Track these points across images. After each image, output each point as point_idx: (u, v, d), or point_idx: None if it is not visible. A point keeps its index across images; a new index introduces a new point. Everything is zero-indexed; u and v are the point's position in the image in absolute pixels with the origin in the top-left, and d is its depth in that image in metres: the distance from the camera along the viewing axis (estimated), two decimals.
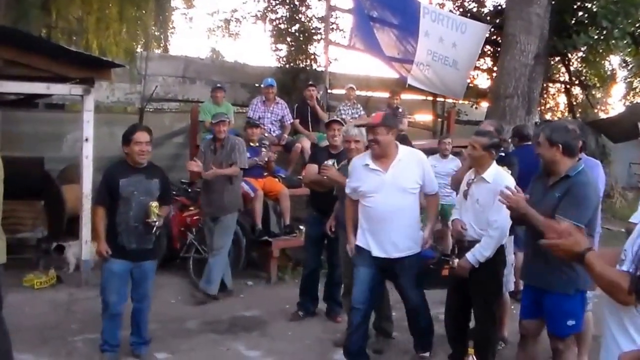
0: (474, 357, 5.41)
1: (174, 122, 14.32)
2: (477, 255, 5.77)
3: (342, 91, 13.68)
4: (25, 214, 9.39)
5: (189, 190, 9.99)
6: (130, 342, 6.56)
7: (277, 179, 10.31)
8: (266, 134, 11.08)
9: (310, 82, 13.14)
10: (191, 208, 9.67)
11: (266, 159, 10.00)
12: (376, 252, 6.10)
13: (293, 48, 17.17)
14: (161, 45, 23.52)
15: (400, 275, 6.21)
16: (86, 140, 8.98)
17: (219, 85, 12.02)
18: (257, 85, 14.88)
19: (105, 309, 6.29)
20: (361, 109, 12.84)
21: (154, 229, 6.20)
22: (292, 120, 12.00)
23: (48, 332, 7.28)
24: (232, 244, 8.88)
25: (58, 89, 9.28)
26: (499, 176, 5.81)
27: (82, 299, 8.35)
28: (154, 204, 6.16)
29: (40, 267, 9.44)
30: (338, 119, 8.33)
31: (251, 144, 9.92)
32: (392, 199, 6.00)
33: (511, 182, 5.70)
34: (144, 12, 19.52)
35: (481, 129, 6.35)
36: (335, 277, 7.78)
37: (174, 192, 8.94)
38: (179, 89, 15.07)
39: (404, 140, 12.29)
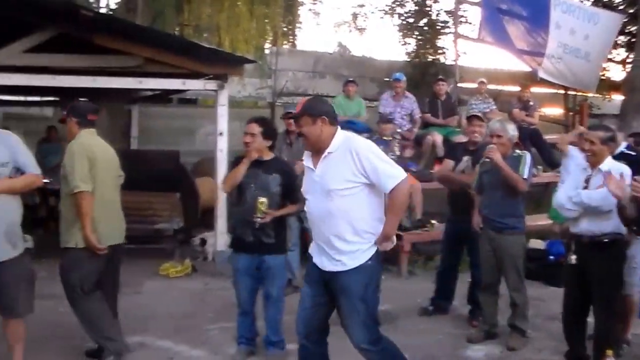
0: (613, 358, 5.20)
1: None
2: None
3: (472, 85, 13.49)
4: (162, 206, 9.69)
5: None
6: (264, 337, 6.44)
7: (408, 173, 10.20)
8: (398, 129, 11.01)
9: (439, 77, 12.99)
10: None
11: (398, 153, 9.95)
12: (317, 263, 4.94)
13: (421, 42, 17.05)
14: (289, 40, 23.82)
15: (337, 296, 4.82)
16: (220, 134, 9.19)
17: (350, 79, 12.05)
18: (385, 79, 14.85)
19: (237, 303, 6.29)
20: (492, 103, 12.61)
21: (257, 225, 5.93)
22: (420, 114, 11.90)
23: (184, 320, 7.43)
24: None
25: (193, 85, 9.53)
26: (615, 166, 5.53)
27: (217, 288, 8.52)
28: (262, 200, 5.86)
29: (176, 257, 9.74)
30: (479, 114, 8.13)
31: (383, 138, 9.93)
32: (319, 202, 4.75)
33: (628, 171, 5.42)
34: (272, 8, 19.81)
35: (595, 123, 6.06)
36: (475, 277, 7.50)
37: None
38: (308, 84, 15.20)
39: (536, 134, 12.05)
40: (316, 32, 59.07)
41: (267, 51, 17.01)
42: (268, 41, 19.87)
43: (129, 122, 13.75)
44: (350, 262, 4.69)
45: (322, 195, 4.72)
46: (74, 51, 8.75)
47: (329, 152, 4.72)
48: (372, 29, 41.27)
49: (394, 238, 4.81)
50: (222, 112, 9.14)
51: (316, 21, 36.76)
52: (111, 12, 17.58)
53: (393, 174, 4.59)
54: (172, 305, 7.95)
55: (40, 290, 7.00)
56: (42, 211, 11.88)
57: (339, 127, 4.80)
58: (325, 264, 4.79)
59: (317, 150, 4.78)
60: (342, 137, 4.75)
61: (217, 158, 9.24)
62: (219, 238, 9.22)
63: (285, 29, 22.30)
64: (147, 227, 9.89)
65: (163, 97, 13.82)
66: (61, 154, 12.49)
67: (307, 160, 4.89)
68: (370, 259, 4.71)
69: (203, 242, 9.93)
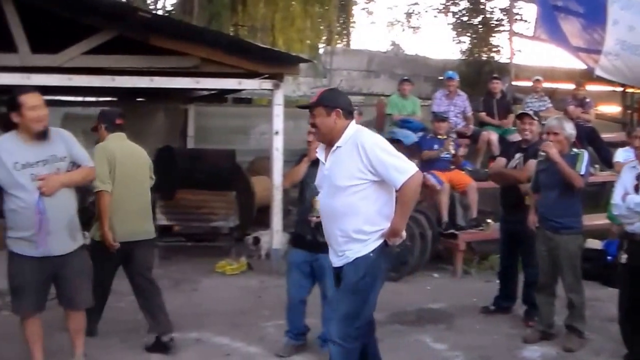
0: None
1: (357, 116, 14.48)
2: None
3: (527, 83, 13.36)
4: (218, 204, 9.79)
5: None
6: (319, 335, 6.38)
7: (463, 172, 10.21)
8: (453, 128, 10.98)
9: (494, 75, 12.89)
10: None
11: (453, 152, 9.93)
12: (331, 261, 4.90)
13: (475, 40, 16.95)
14: (343, 40, 23.86)
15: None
16: (276, 133, 9.26)
17: (406, 77, 12.04)
18: (439, 78, 14.79)
19: (287, 297, 6.33)
20: (548, 101, 12.48)
21: (313, 224, 5.92)
22: (472, 112, 11.85)
23: (240, 316, 7.50)
24: (418, 236, 8.94)
25: (249, 84, 9.62)
26: None
27: (272, 286, 8.57)
28: (317, 199, 5.66)
29: (232, 255, 9.84)
30: (529, 112, 8.08)
31: (438, 136, 9.93)
32: (327, 197, 4.73)
33: None
34: (326, 8, 19.88)
35: None
36: (528, 277, 7.41)
37: None
38: (362, 83, 15.22)
39: (593, 133, 11.90)
40: (369, 31, 59.02)
41: (321, 50, 17.06)
42: (322, 40, 19.95)
43: (185, 122, 13.92)
44: (353, 254, 4.60)
45: (329, 190, 4.68)
46: (132, 52, 8.90)
47: (337, 146, 4.64)
48: (426, 27, 41.02)
49: (404, 233, 4.66)
50: (278, 112, 9.20)
51: (369, 20, 36.65)
52: (167, 14, 17.83)
53: (403, 169, 4.46)
54: (228, 302, 8.03)
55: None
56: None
57: (352, 122, 4.71)
58: (335, 261, 4.76)
59: (329, 143, 4.71)
60: (351, 131, 4.64)
61: (273, 157, 9.31)
62: (275, 236, 9.29)
63: (339, 28, 22.36)
64: (203, 225, 10.04)
65: (219, 96, 13.97)
66: None
67: (320, 153, 4.84)
68: (372, 252, 4.58)
69: (256, 240, 10.03)
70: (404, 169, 4.45)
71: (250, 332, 6.97)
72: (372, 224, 4.58)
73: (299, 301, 6.24)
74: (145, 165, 6.58)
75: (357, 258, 4.58)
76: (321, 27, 19.42)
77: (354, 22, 26.02)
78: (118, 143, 6.17)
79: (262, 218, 10.71)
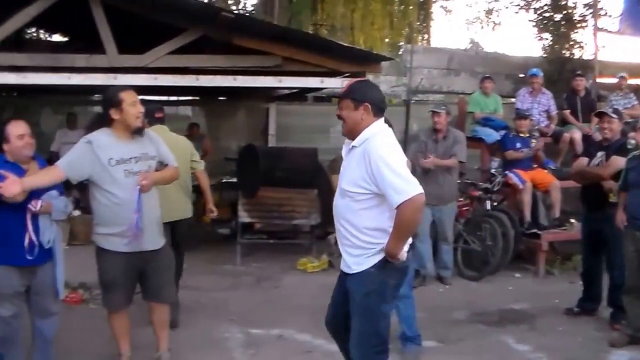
0: None
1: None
2: None
3: (612, 80, 13.05)
4: (300, 202, 9.84)
5: (458, 181, 10.01)
6: (399, 335, 6.36)
7: (546, 171, 10.07)
8: (535, 126, 10.82)
9: (577, 72, 12.64)
10: (460, 199, 9.66)
11: (536, 150, 9.81)
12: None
13: (558, 37, 16.66)
14: (423, 38, 23.76)
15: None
16: None
17: (487, 75, 11.93)
18: (520, 76, 14.59)
19: None
20: (634, 98, 12.17)
21: None
22: (557, 111, 11.65)
23: (322, 314, 7.42)
24: (500, 235, 8.91)
25: (331, 83, 9.65)
26: None
27: None
28: None
29: (313, 252, 9.92)
30: (605, 110, 7.90)
31: (520, 135, 9.83)
32: (338, 196, 4.46)
33: None
34: (406, 6, 19.85)
35: None
36: (614, 278, 7.23)
37: None
38: (443, 81, 15.12)
39: None
40: (448, 30, 58.56)
41: (401, 49, 17.02)
42: (402, 39, 19.91)
43: (267, 120, 14.06)
44: (355, 266, 4.33)
45: (339, 190, 4.41)
46: (215, 52, 9.04)
47: (353, 146, 4.31)
48: (505, 24, 40.51)
49: (404, 254, 4.29)
50: None
51: (448, 18, 36.43)
52: (248, 14, 18.05)
53: (401, 189, 4.04)
54: (309, 300, 8.04)
55: (183, 281, 7.35)
56: None
57: (379, 121, 4.32)
58: (342, 265, 4.50)
59: (353, 139, 4.33)
60: (370, 132, 4.25)
61: None
62: None
63: (418, 27, 22.27)
64: (285, 223, 10.14)
65: (299, 95, 14.07)
66: (200, 150, 13.00)
67: (344, 149, 4.50)
68: (373, 266, 4.26)
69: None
70: (403, 189, 4.04)
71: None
72: (371, 237, 4.27)
73: None
74: (186, 154, 6.97)
75: (358, 273, 4.31)
76: (401, 26, 19.40)
77: (433, 20, 25.88)
78: (159, 134, 6.14)
79: None
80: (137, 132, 5.30)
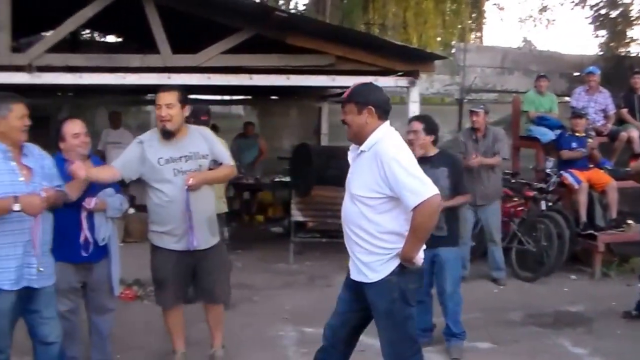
0: None
1: (491, 113, 14.29)
2: None
3: None
4: None
5: (513, 180, 9.91)
6: (444, 330, 6.37)
7: (602, 171, 9.91)
8: (591, 125, 10.66)
9: (636, 70, 12.40)
10: (515, 199, 9.56)
11: (590, 149, 9.68)
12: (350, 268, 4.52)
13: (614, 34, 16.38)
14: (476, 36, 23.59)
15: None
16: None
17: (542, 74, 11.78)
18: (575, 74, 14.37)
19: None
20: None
21: None
22: (614, 110, 11.45)
23: None
24: (555, 236, 8.79)
25: (384, 82, 9.54)
26: None
27: None
28: None
29: None
30: None
31: (576, 134, 9.70)
32: (346, 203, 4.41)
33: None
34: (459, 4, 19.73)
35: None
36: None
37: None
38: (496, 80, 14.95)
39: None
40: (500, 27, 57.97)
41: (453, 48, 16.89)
42: (454, 37, 19.79)
43: (319, 119, 14.08)
44: (372, 274, 4.21)
45: (347, 195, 4.35)
46: (268, 51, 9.06)
47: (361, 150, 4.22)
48: (560, 22, 39.96)
49: (419, 258, 4.21)
50: (414, 109, 9.14)
51: (500, 16, 36.07)
52: (300, 14, 18.09)
53: (417, 190, 3.95)
54: None
55: (236, 280, 7.39)
56: (236, 204, 12.42)
57: (385, 123, 4.24)
58: (354, 273, 4.38)
59: (359, 144, 4.25)
60: (378, 136, 4.16)
61: None
62: None
63: (471, 25, 22.12)
64: (337, 222, 10.07)
65: None
66: (256, 150, 13.05)
67: (350, 154, 4.42)
68: (392, 273, 4.16)
69: None
70: (419, 191, 3.95)
71: None
72: (386, 242, 4.17)
73: (423, 297, 6.08)
74: None
75: (377, 282, 4.20)
76: (454, 24, 19.28)
77: (486, 18, 25.66)
78: None
79: None
80: (165, 135, 5.36)
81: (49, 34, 9.97)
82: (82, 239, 4.98)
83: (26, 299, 4.46)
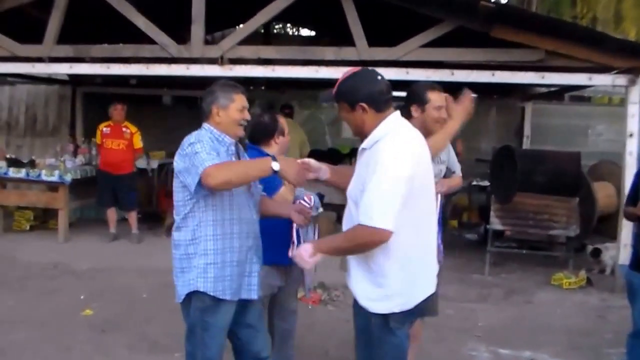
0: None
1: None
2: None
3: None
4: (559, 211, 9.05)
5: None
6: None
7: None
8: None
9: None
10: None
11: None
12: None
13: None
14: None
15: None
16: (630, 135, 8.32)
17: None
18: None
19: (632, 324, 5.25)
20: None
21: None
22: None
23: (580, 338, 6.80)
24: None
25: (600, 80, 8.80)
26: None
27: (617, 306, 7.62)
28: None
29: (569, 267, 9.06)
30: None
31: None
32: (352, 207, 3.61)
33: None
34: None
35: None
36: None
37: None
38: None
39: None
40: None
41: None
42: None
43: (522, 120, 13.32)
44: (361, 299, 3.56)
45: (349, 200, 3.67)
46: (470, 45, 8.51)
47: (362, 148, 3.61)
48: None
49: (312, 264, 3.54)
50: (633, 111, 8.28)
51: None
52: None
53: (373, 213, 3.28)
54: (565, 320, 7.36)
55: None
56: None
57: (393, 114, 3.59)
58: (351, 282, 3.68)
59: (361, 139, 3.66)
60: (379, 134, 3.52)
61: (625, 162, 8.36)
62: (622, 251, 8.31)
63: None
64: (540, 232, 9.32)
65: (557, 93, 13.10)
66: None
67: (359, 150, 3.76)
68: (378, 316, 3.50)
69: (596, 252, 9.17)
70: (374, 216, 3.27)
71: (589, 356, 6.29)
72: (380, 268, 3.48)
73: None
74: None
75: (370, 313, 3.52)
76: None
77: None
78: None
79: (601, 229, 10.12)
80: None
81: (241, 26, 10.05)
82: (293, 239, 4.50)
83: (241, 312, 4.12)
